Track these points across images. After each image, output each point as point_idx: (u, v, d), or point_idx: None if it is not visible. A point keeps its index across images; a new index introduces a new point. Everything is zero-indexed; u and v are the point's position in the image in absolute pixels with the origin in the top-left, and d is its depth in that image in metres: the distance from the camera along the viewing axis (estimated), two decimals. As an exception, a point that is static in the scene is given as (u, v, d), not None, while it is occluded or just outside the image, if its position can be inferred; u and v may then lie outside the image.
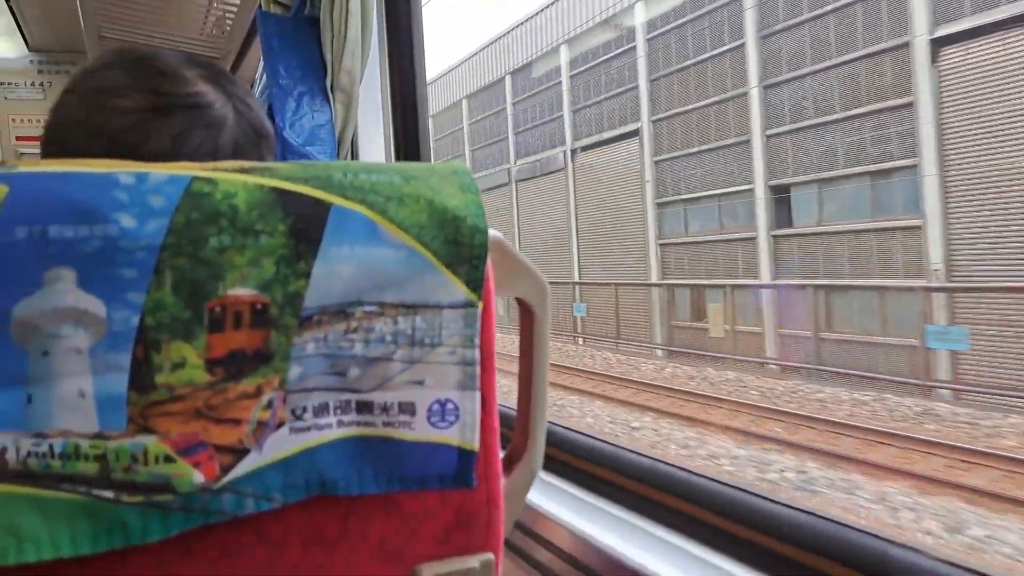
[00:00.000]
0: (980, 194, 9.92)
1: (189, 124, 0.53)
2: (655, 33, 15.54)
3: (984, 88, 9.83)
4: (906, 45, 10.77)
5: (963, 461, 5.49)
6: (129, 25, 2.26)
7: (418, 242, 0.41)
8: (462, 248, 0.42)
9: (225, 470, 0.38)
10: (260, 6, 1.48)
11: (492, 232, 0.45)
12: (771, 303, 12.44)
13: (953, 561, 0.60)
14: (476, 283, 0.43)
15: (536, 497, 0.91)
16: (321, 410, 0.41)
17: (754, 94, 13.29)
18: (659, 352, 13.48)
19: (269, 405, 0.39)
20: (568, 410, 8.11)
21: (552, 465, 0.98)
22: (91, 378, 0.35)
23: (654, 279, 15.22)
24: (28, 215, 0.33)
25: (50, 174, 0.35)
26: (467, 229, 0.43)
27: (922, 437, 6.00)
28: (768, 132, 13.05)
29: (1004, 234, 9.64)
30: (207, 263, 0.36)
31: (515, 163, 19.03)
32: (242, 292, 0.37)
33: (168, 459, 0.36)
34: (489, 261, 0.44)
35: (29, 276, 0.34)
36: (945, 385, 9.25)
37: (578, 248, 17.82)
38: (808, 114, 12.39)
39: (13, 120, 3.19)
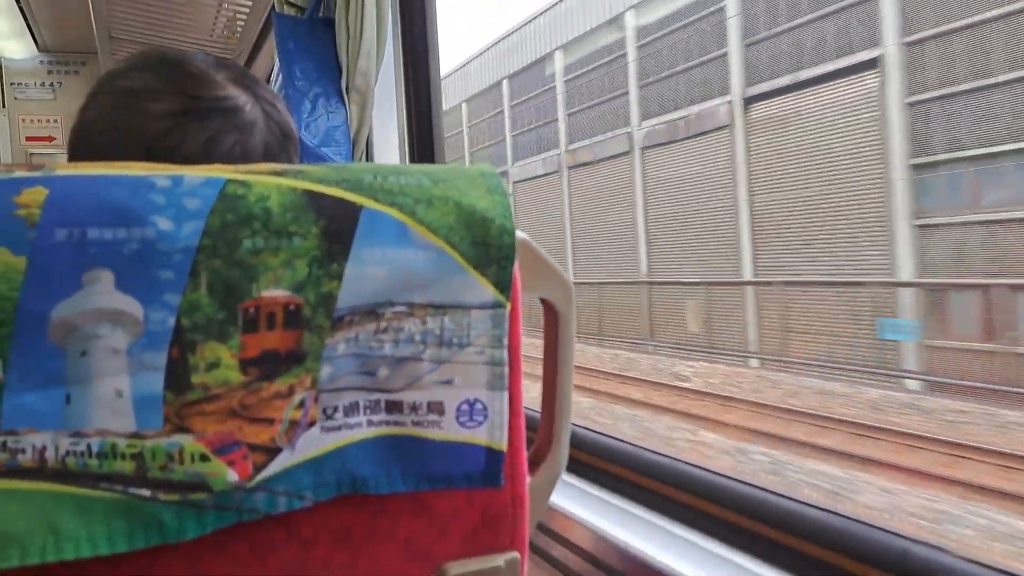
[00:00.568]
0: None
1: (221, 127, 0.53)
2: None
3: None
4: None
5: None
6: (140, 26, 2.27)
7: (447, 243, 0.42)
8: (490, 249, 0.43)
9: (258, 469, 0.38)
10: (274, 7, 1.49)
11: (519, 233, 0.45)
12: None
13: (976, 559, 0.60)
14: (504, 284, 0.43)
15: (555, 496, 0.91)
16: (351, 409, 0.41)
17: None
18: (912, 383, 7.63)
19: (301, 405, 0.39)
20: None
21: (571, 465, 0.98)
22: (128, 378, 0.35)
23: (906, 276, 8.82)
24: (68, 218, 0.34)
25: (88, 177, 0.35)
26: (495, 230, 0.43)
27: None
28: None
29: None
30: (241, 265, 0.37)
31: (639, 125, 12.52)
32: (276, 293, 0.38)
33: (203, 458, 0.37)
34: (516, 262, 0.44)
35: (68, 278, 0.34)
36: None
37: (752, 236, 10.90)
38: None
39: (23, 120, 3.19)
